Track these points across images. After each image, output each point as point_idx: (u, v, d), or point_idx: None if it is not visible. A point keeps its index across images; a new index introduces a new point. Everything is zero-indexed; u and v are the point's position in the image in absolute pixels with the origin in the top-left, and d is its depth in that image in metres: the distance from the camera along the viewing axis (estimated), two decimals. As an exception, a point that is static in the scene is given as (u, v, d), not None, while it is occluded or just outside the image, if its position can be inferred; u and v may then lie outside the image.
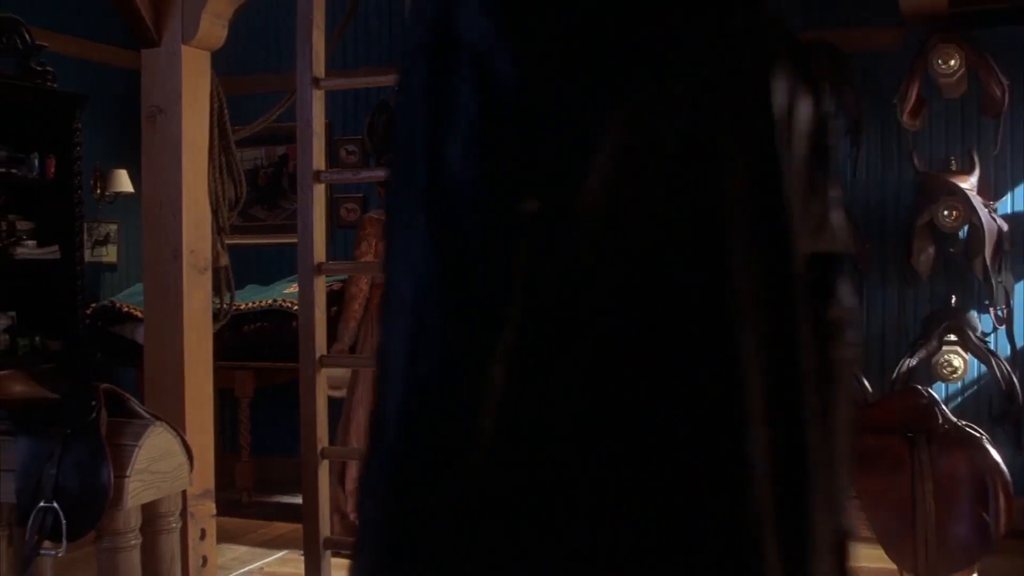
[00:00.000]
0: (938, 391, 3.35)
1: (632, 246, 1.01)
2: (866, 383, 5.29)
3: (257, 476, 6.27)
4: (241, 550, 5.33)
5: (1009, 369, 5.18)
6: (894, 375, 5.20)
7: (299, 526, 3.72)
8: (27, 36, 5.64)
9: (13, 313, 5.63)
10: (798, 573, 1.08)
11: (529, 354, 0.98)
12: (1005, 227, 5.23)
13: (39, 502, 3.11)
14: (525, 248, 0.96)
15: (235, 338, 6.12)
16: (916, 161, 5.42)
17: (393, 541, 0.97)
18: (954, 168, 5.45)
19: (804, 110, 1.21)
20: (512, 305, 0.96)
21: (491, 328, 0.96)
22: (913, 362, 5.15)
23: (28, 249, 5.70)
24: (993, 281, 5.17)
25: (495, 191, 0.95)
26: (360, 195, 6.72)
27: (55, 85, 5.76)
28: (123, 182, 6.51)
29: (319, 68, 3.54)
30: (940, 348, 5.07)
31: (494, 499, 0.98)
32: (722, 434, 1.04)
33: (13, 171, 5.69)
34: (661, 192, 1.01)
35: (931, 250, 5.36)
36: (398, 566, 0.97)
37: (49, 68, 5.74)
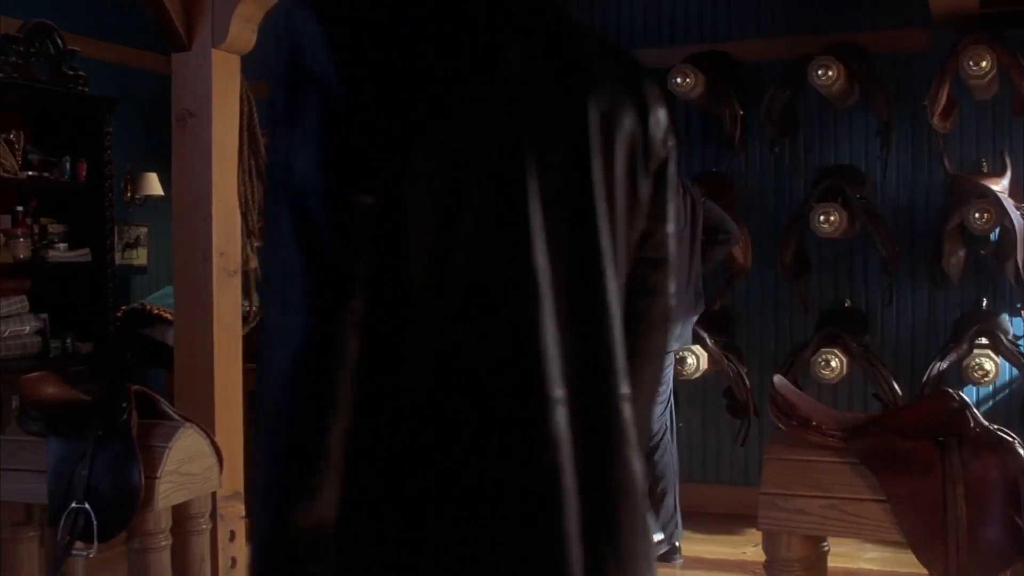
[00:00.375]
0: (969, 395, 3.32)
1: (449, 233, 1.24)
2: (896, 386, 5.26)
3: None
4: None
5: (1041, 373, 5.13)
6: (924, 378, 5.16)
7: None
8: (59, 41, 5.69)
9: (45, 315, 5.68)
10: (596, 514, 1.33)
11: (376, 322, 1.22)
12: (1037, 229, 5.19)
13: (71, 503, 3.13)
14: (364, 235, 1.20)
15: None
16: (947, 163, 5.38)
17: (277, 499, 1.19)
18: (985, 170, 5.41)
19: (628, 126, 1.41)
20: (358, 281, 1.21)
21: (342, 301, 1.20)
22: (944, 365, 5.12)
23: (59, 252, 5.76)
24: (1025, 284, 5.13)
25: (335, 190, 1.21)
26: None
27: (87, 89, 5.81)
28: (153, 185, 6.56)
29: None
30: (971, 351, 5.02)
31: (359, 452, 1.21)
32: (527, 400, 1.28)
33: (45, 175, 5.74)
34: (469, 189, 1.25)
35: (962, 253, 5.32)
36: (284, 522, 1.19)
37: (81, 73, 5.79)
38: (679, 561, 5.10)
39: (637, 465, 1.40)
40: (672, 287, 1.55)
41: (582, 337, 1.34)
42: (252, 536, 1.23)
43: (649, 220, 1.48)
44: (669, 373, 5.12)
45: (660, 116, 1.48)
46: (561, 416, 1.30)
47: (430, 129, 1.24)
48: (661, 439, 5.11)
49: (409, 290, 1.24)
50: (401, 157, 1.22)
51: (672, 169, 1.51)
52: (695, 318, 5.17)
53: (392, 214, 1.22)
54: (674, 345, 5.09)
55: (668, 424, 5.16)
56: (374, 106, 1.22)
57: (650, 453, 5.15)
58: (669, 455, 5.12)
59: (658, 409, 5.09)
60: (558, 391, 1.30)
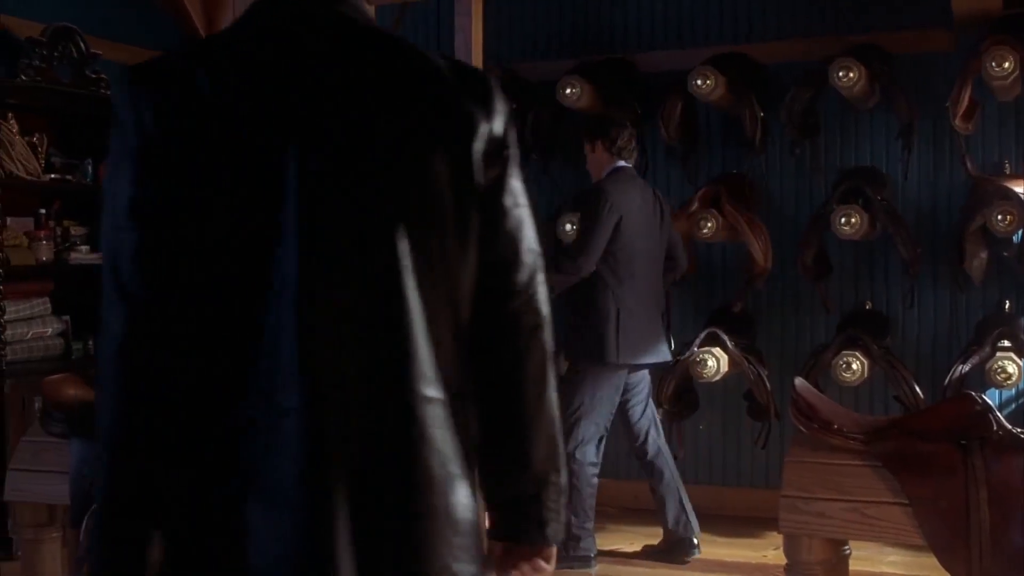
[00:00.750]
0: (991, 397, 3.31)
1: (226, 257, 1.52)
2: (917, 389, 5.24)
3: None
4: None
5: (1065, 375, 5.10)
6: (946, 381, 5.14)
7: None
8: (82, 45, 5.73)
9: (67, 318, 5.71)
10: (375, 505, 1.52)
11: (159, 320, 1.53)
12: (1061, 231, 5.16)
13: (93, 504, 3.15)
14: (142, 247, 1.52)
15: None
16: (969, 165, 5.36)
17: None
18: (1008, 171, 5.39)
19: (441, 135, 1.59)
20: (140, 279, 1.53)
21: (130, 300, 1.55)
22: (966, 368, 5.09)
23: (82, 254, 5.79)
24: (1048, 286, 5.10)
25: (116, 217, 1.57)
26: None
27: (109, 93, 5.84)
28: (175, 188, 6.59)
29: (368, 74, 3.57)
30: (994, 354, 4.99)
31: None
32: (309, 407, 1.48)
33: (67, 177, 5.78)
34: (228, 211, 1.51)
35: (984, 255, 5.29)
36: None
37: (103, 76, 5.82)
38: (696, 553, 5.10)
39: (435, 460, 1.54)
40: (536, 287, 1.69)
41: (370, 345, 1.52)
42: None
43: (483, 229, 1.64)
44: (644, 376, 5.16)
45: (492, 125, 1.63)
46: (336, 417, 1.49)
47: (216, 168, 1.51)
48: (647, 440, 5.12)
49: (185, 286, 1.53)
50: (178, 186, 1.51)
51: (509, 173, 1.67)
52: (662, 321, 5.18)
53: (187, 234, 1.51)
54: (660, 356, 5.10)
55: (653, 424, 5.19)
56: (177, 142, 1.51)
57: (640, 455, 5.14)
58: (664, 454, 5.15)
59: (636, 411, 5.07)
60: (338, 394, 1.50)
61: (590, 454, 4.98)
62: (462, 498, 1.58)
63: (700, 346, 5.40)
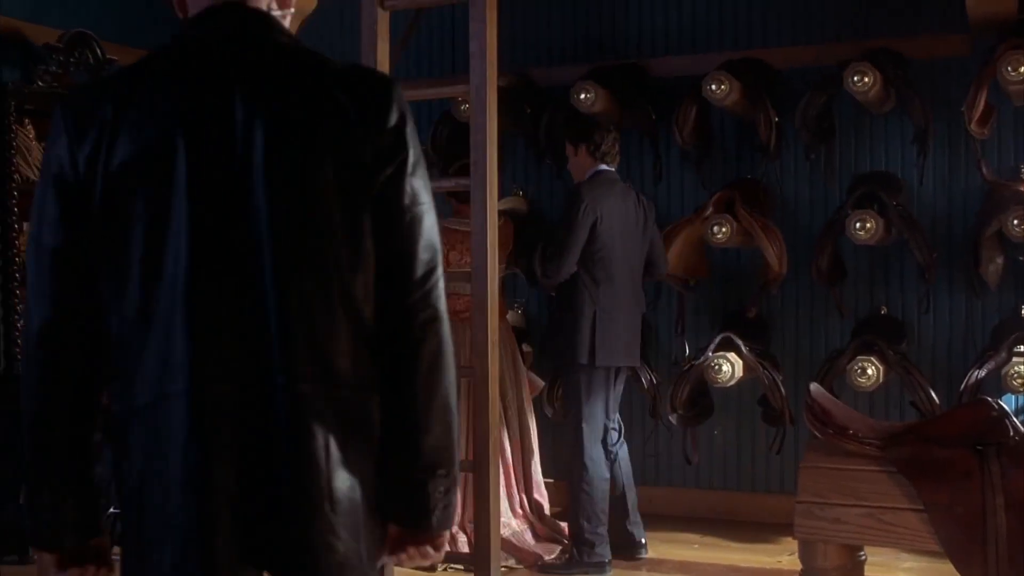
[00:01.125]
0: (1008, 403, 3.30)
1: (142, 254, 1.74)
2: (933, 395, 5.22)
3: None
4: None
5: (1081, 381, 5.07)
6: (962, 387, 5.12)
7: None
8: (98, 50, 5.75)
9: (83, 322, 5.74)
10: (259, 471, 1.72)
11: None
12: (1077, 236, 5.13)
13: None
14: (58, 254, 1.77)
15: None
16: (984, 169, 5.34)
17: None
18: (1024, 176, 5.37)
19: (369, 140, 1.75)
20: (55, 281, 1.77)
21: (39, 309, 1.78)
22: (982, 373, 5.07)
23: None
24: (1065, 291, 5.08)
25: (39, 226, 1.78)
26: (422, 205, 6.74)
27: (125, 98, 5.86)
28: (190, 193, 6.61)
29: (383, 79, 3.58)
30: (1010, 359, 4.97)
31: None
32: (190, 392, 1.70)
33: (84, 183, 5.80)
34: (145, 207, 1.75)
35: (1000, 260, 5.28)
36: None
37: (119, 81, 5.84)
38: (644, 555, 5.17)
39: (314, 444, 1.71)
40: (433, 282, 1.80)
41: (251, 338, 1.71)
42: None
43: (379, 228, 1.77)
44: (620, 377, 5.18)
45: (384, 132, 1.76)
46: (216, 403, 1.70)
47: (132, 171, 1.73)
48: (619, 444, 5.15)
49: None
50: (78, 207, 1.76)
51: (404, 174, 1.77)
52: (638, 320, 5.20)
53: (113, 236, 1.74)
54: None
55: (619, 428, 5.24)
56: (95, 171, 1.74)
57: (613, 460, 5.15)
58: (625, 458, 5.22)
59: (582, 411, 5.06)
60: (220, 383, 1.70)
61: (598, 456, 5.00)
62: (342, 480, 1.74)
63: (715, 351, 5.40)
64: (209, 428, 1.70)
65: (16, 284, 5.25)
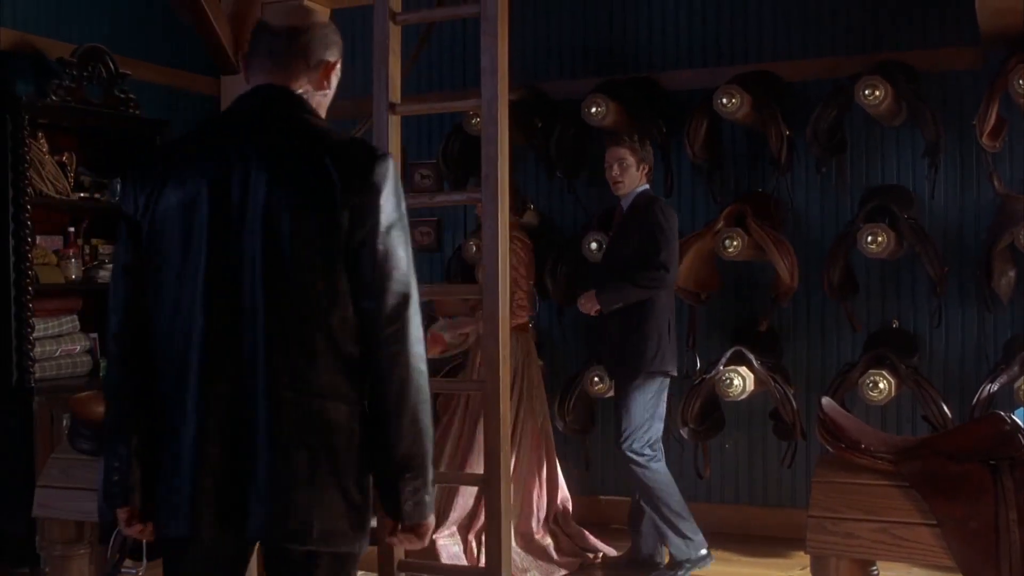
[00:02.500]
0: (1021, 417, 3.28)
1: (162, 287, 2.31)
2: (946, 409, 5.20)
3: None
4: (315, 571, 5.35)
5: (1095, 395, 5.05)
6: (974, 401, 5.10)
7: (373, 548, 3.74)
8: (112, 65, 5.78)
9: (95, 335, 5.75)
10: (241, 462, 2.22)
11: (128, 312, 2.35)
12: (1090, 250, 5.12)
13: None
14: (123, 284, 2.37)
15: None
16: (996, 183, 5.33)
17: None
18: (1036, 190, 5.35)
19: (348, 204, 2.20)
20: (121, 302, 2.37)
21: (114, 314, 2.38)
22: (994, 388, 5.05)
23: (110, 272, 5.82)
24: (1077, 305, 5.06)
25: (116, 264, 2.43)
26: (435, 219, 6.76)
27: (138, 112, 5.89)
28: (202, 206, 6.62)
29: (395, 94, 3.59)
30: (1022, 373, 4.96)
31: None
32: (190, 389, 2.24)
33: (96, 196, 5.82)
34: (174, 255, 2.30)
35: (1012, 273, 5.26)
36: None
37: (132, 95, 5.87)
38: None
39: (292, 441, 2.18)
40: (405, 319, 2.21)
41: (245, 355, 2.20)
42: None
43: (355, 276, 2.22)
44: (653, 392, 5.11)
45: (362, 197, 2.19)
46: (217, 401, 2.20)
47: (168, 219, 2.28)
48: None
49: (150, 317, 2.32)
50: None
51: (378, 233, 2.21)
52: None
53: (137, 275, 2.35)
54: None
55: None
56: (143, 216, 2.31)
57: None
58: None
59: (657, 426, 5.05)
60: (222, 385, 2.21)
61: (663, 459, 5.08)
62: (322, 469, 2.21)
63: (726, 365, 5.39)
64: (205, 416, 2.21)
65: (30, 297, 5.27)
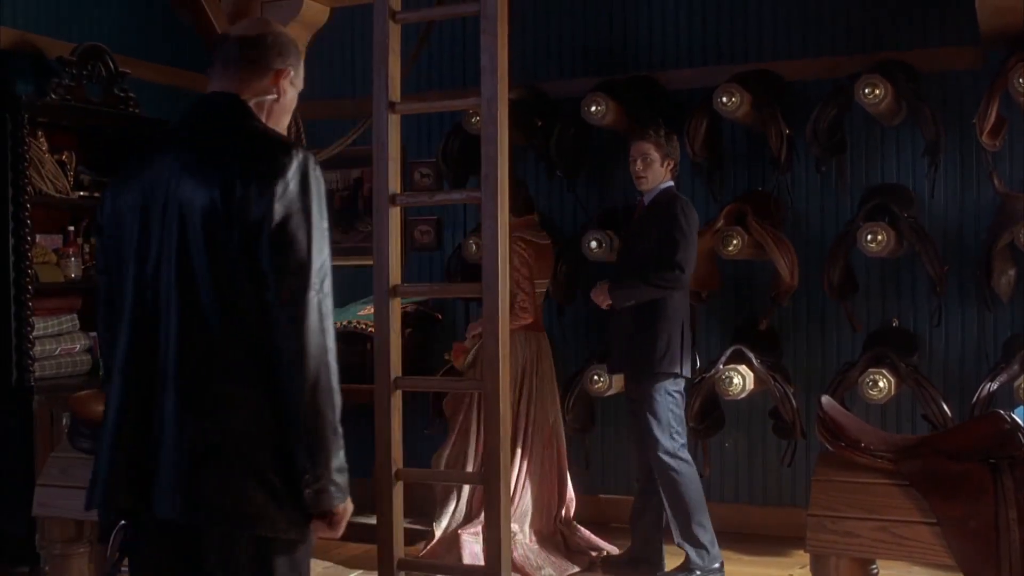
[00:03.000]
0: (1020, 416, 3.28)
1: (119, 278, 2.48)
2: (945, 408, 5.20)
3: (331, 496, 6.29)
4: (316, 570, 5.36)
5: (1094, 394, 5.05)
6: (974, 399, 5.10)
7: (373, 546, 3.74)
8: (111, 63, 5.78)
9: (95, 334, 5.74)
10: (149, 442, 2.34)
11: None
12: (1089, 249, 5.12)
13: (120, 520, 3.16)
14: (104, 282, 2.54)
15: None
16: (996, 181, 5.33)
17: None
18: (1035, 189, 5.35)
19: (254, 201, 2.28)
20: (104, 296, 2.53)
21: (102, 311, 2.55)
22: (994, 387, 5.05)
23: (110, 271, 5.82)
24: (1077, 304, 5.06)
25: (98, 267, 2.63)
26: (435, 218, 6.76)
27: (137, 111, 5.89)
28: (202, 205, 6.62)
29: (395, 93, 3.58)
30: (1022, 372, 4.96)
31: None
32: (121, 375, 2.42)
33: (96, 195, 5.81)
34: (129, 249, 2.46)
35: (1012, 272, 5.26)
36: None
37: (132, 94, 5.87)
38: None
39: (190, 417, 2.28)
40: (301, 308, 2.25)
41: (185, 347, 2.32)
42: None
43: (265, 271, 2.28)
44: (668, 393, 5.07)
45: (270, 194, 2.26)
46: (132, 381, 2.37)
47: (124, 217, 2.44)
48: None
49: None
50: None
51: (285, 228, 2.27)
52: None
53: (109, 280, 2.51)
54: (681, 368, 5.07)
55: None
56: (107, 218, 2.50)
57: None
58: None
59: (671, 421, 5.03)
60: (136, 371, 2.37)
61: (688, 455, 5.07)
62: (230, 451, 2.27)
63: (726, 363, 5.39)
64: (123, 398, 2.37)
65: (29, 296, 5.27)
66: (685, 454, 5.02)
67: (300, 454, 2.28)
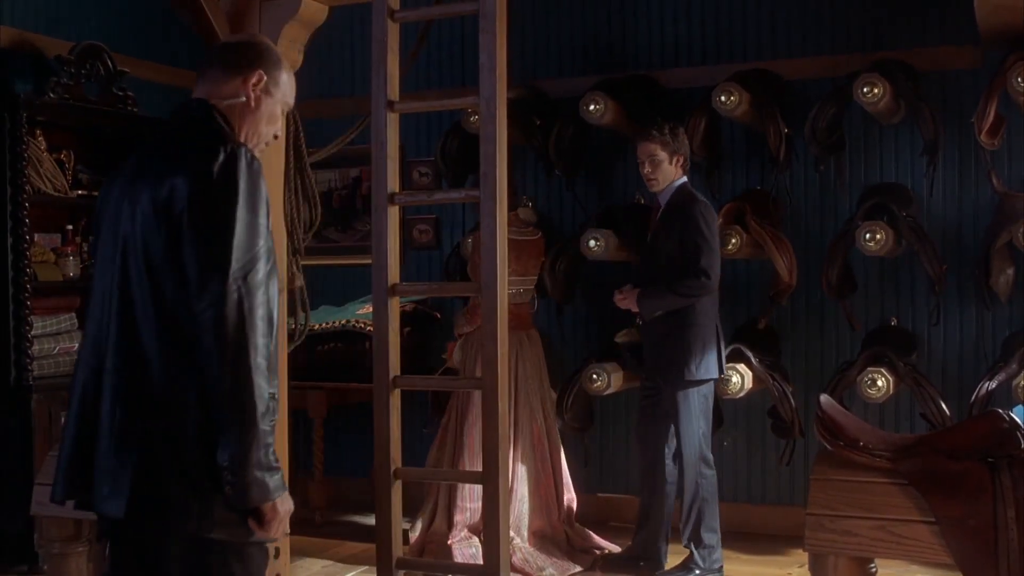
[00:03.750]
0: (1019, 415, 3.28)
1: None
2: (944, 407, 5.20)
3: (330, 496, 6.32)
4: (315, 568, 5.38)
5: (1093, 393, 5.05)
6: (973, 398, 5.10)
7: (372, 545, 3.74)
8: (110, 62, 5.78)
9: (94, 333, 5.74)
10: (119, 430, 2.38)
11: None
12: (1088, 248, 5.12)
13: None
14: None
15: (309, 358, 6.19)
16: (995, 180, 5.33)
17: None
18: (1034, 188, 5.35)
19: (181, 197, 2.34)
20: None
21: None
22: (992, 385, 5.05)
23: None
24: (1076, 303, 5.06)
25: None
26: (433, 216, 6.76)
27: (136, 110, 5.89)
28: (200, 204, 6.62)
29: (393, 91, 3.57)
30: (1021, 371, 4.96)
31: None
32: (84, 370, 2.49)
33: (94, 194, 5.80)
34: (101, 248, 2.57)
35: (1011, 271, 5.26)
36: None
37: (130, 93, 5.87)
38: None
39: (120, 412, 2.36)
40: (223, 304, 2.26)
41: (100, 336, 2.45)
42: None
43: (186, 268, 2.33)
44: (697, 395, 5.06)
45: (191, 188, 2.32)
46: (82, 380, 2.47)
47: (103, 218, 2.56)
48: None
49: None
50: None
51: (202, 218, 2.31)
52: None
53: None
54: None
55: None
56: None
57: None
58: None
59: (701, 425, 5.01)
60: (99, 362, 2.43)
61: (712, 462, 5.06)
62: (158, 448, 2.32)
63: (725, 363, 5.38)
64: (74, 395, 2.48)
65: (28, 295, 5.26)
66: (711, 457, 5.03)
67: (220, 451, 2.28)
